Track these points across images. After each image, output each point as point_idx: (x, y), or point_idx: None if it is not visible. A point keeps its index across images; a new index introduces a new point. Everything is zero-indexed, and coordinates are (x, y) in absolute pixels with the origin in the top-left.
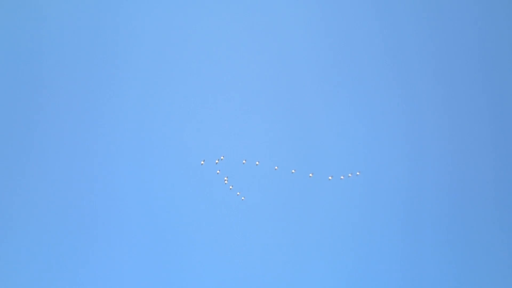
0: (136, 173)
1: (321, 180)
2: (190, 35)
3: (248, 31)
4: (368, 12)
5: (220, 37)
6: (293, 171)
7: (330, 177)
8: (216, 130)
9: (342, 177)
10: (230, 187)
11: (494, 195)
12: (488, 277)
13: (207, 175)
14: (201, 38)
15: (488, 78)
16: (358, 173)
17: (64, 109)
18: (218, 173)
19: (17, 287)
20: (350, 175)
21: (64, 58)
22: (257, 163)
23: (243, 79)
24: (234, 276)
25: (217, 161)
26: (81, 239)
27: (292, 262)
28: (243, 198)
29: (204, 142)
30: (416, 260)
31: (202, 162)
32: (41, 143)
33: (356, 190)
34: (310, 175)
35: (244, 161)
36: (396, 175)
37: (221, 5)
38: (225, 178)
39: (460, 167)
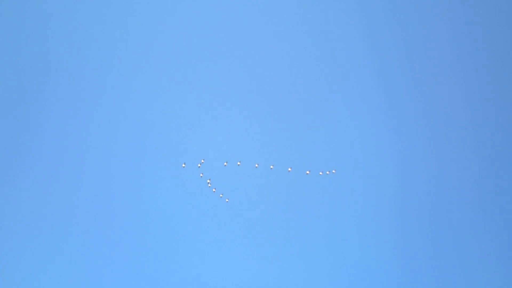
0: (118, 177)
1: (302, 178)
2: (181, 36)
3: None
4: (360, 14)
5: (207, 39)
6: (271, 167)
7: (307, 172)
8: (196, 132)
9: (320, 173)
10: (214, 189)
11: (482, 193)
12: (478, 275)
13: (189, 178)
14: (190, 40)
15: (474, 77)
16: (333, 171)
17: (50, 109)
18: (201, 176)
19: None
20: (328, 172)
21: (58, 57)
22: (238, 163)
23: (222, 81)
24: (221, 277)
25: (199, 165)
26: (63, 241)
27: (277, 262)
28: (227, 200)
29: (184, 145)
30: (407, 261)
31: (183, 165)
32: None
33: (344, 188)
34: (289, 169)
35: (225, 163)
36: (386, 175)
37: (219, 7)
38: (208, 181)
39: (450, 165)
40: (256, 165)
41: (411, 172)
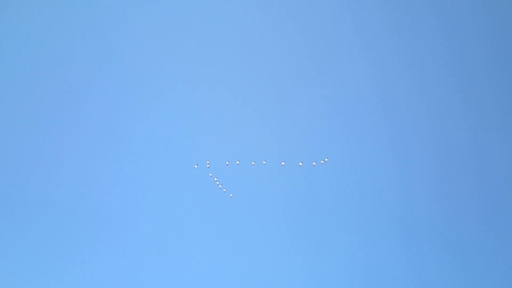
0: (127, 176)
1: (298, 173)
2: (185, 38)
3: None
4: (356, 15)
5: (211, 42)
6: (264, 162)
7: (300, 163)
8: (199, 132)
9: (314, 163)
10: (220, 186)
11: (482, 196)
12: (480, 277)
13: (198, 177)
14: (193, 43)
15: (467, 76)
16: (326, 159)
17: (58, 109)
18: (211, 175)
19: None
20: (322, 161)
21: (56, 56)
22: (237, 162)
23: (223, 84)
24: (224, 275)
25: (208, 165)
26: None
27: (281, 260)
28: (231, 195)
29: (189, 145)
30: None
31: (195, 166)
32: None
33: (346, 186)
34: (283, 163)
35: (227, 163)
36: (385, 174)
37: (219, 6)
38: (216, 179)
39: (448, 167)
40: (253, 163)
41: (411, 168)
